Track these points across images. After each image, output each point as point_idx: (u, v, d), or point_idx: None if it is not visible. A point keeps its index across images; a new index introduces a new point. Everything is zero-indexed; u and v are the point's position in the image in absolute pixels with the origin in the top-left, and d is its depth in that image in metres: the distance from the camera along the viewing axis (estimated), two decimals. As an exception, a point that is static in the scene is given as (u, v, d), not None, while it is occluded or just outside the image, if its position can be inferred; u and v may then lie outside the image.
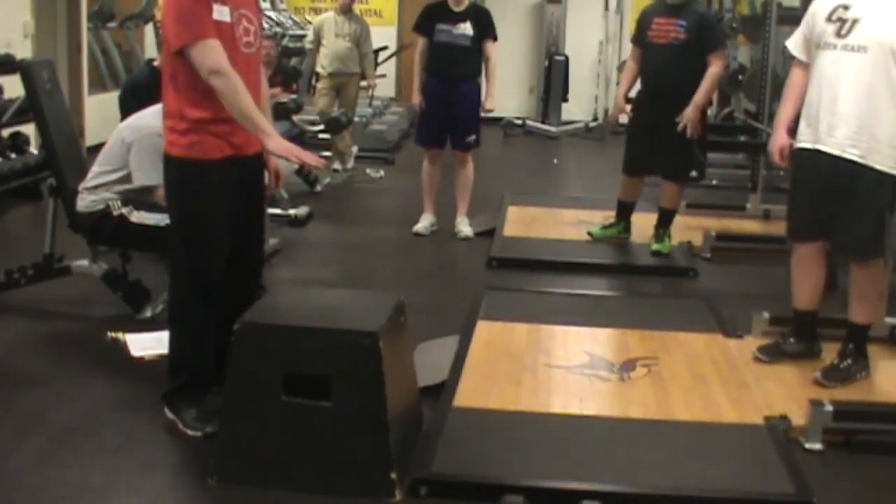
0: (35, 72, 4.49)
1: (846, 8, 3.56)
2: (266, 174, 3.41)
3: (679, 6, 5.46)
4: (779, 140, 3.79)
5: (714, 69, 5.42)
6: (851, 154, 3.53)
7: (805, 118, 3.69)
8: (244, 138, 3.17)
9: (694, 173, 5.69)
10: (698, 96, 5.39)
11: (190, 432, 3.18)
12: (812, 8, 3.75)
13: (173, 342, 3.29)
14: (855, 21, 3.52)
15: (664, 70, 5.45)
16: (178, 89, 3.10)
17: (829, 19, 3.60)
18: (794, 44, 3.84)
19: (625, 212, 6.02)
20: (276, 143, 3.07)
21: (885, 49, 3.47)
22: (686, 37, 5.39)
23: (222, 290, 3.24)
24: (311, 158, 3.19)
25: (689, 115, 5.38)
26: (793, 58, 3.88)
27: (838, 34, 3.55)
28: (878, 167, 3.52)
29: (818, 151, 3.60)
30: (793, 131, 3.79)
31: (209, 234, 3.19)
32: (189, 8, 3.02)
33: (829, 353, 3.85)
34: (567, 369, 3.79)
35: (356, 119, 8.73)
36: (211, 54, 3.00)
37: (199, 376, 3.26)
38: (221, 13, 3.07)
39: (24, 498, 2.81)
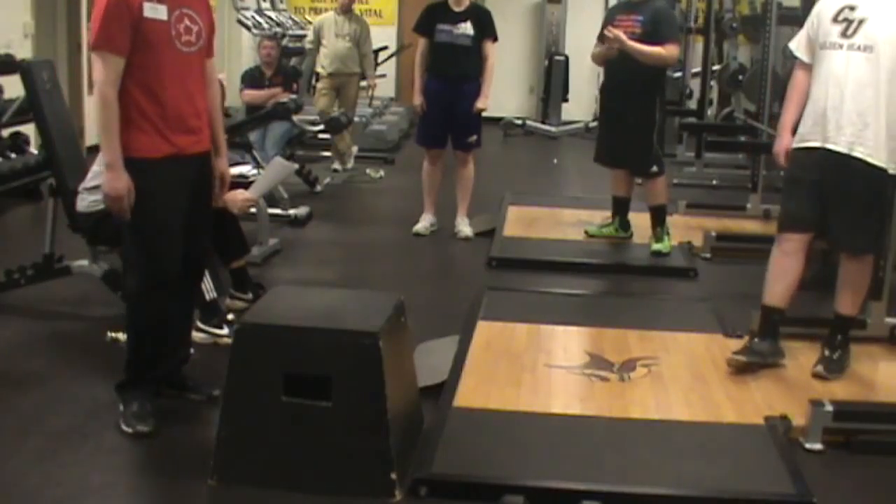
0: (35, 72, 4.49)
1: (852, 9, 3.62)
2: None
3: (638, 3, 5.53)
4: (784, 142, 3.86)
5: (663, 49, 5.43)
6: (858, 152, 3.60)
7: (811, 116, 3.73)
8: (186, 138, 3.18)
9: (654, 168, 5.67)
10: (635, 45, 5.38)
11: (123, 427, 3.19)
12: (816, 8, 3.78)
13: (128, 337, 3.32)
14: (861, 21, 3.58)
15: (621, 64, 5.50)
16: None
17: (835, 20, 3.65)
18: (797, 45, 3.87)
19: (617, 208, 6.05)
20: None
21: (891, 49, 3.54)
22: (641, 31, 5.44)
23: (173, 290, 3.26)
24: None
25: (614, 35, 5.37)
26: (794, 58, 3.91)
27: (844, 34, 3.61)
28: (882, 165, 3.61)
29: (825, 150, 3.66)
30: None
31: (156, 234, 3.18)
32: (112, 10, 3.00)
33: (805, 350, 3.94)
34: (567, 369, 3.79)
35: (356, 119, 8.73)
36: (103, 69, 3.01)
37: (145, 374, 3.28)
38: (156, 11, 3.06)
39: (24, 498, 2.81)
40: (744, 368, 3.75)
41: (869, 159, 3.59)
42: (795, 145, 3.79)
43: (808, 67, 3.79)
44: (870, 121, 3.57)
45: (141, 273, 3.24)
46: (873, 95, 3.57)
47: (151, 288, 3.23)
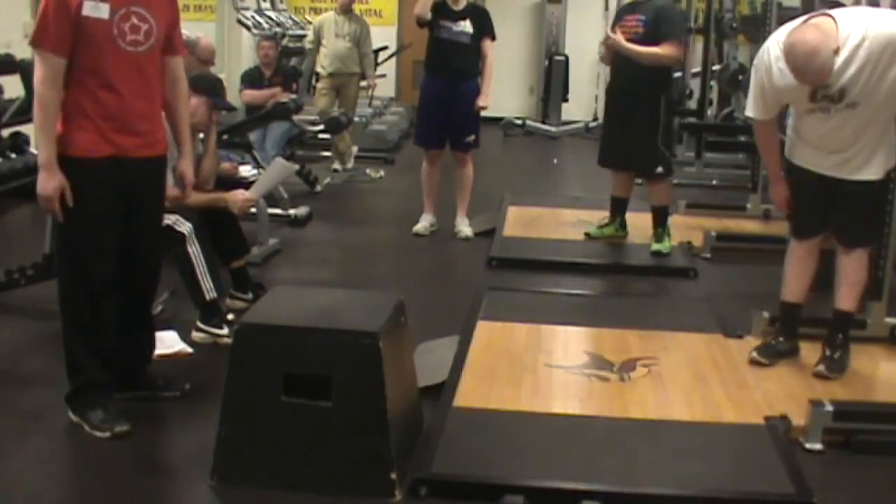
0: (35, 72, 4.48)
1: (826, 86, 3.58)
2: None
3: (642, 2, 5.55)
4: (781, 192, 3.95)
5: (661, 49, 5.44)
6: (865, 175, 3.71)
7: (803, 152, 3.82)
8: (130, 139, 3.13)
9: (660, 169, 5.68)
10: (630, 46, 5.41)
11: (98, 434, 3.14)
12: (777, 84, 3.67)
13: (66, 343, 3.25)
14: (842, 91, 3.57)
15: (625, 65, 5.52)
16: None
17: (813, 99, 3.65)
18: (755, 110, 3.81)
19: (617, 208, 6.05)
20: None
21: (877, 100, 3.57)
22: (644, 31, 5.46)
23: (108, 291, 3.20)
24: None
25: (612, 39, 5.44)
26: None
27: (831, 101, 3.62)
28: (881, 178, 3.76)
29: (828, 177, 3.76)
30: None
31: (89, 235, 3.13)
32: (52, 10, 2.98)
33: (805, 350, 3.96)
34: (567, 369, 3.79)
35: (356, 119, 8.73)
36: (41, 68, 2.99)
37: (96, 377, 3.23)
38: (97, 9, 3.01)
39: (24, 498, 2.81)
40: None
41: (877, 178, 3.73)
42: (795, 161, 3.86)
43: (769, 122, 3.83)
44: (872, 153, 3.68)
45: (72, 274, 3.18)
46: (871, 133, 3.66)
47: (81, 293, 3.16)
